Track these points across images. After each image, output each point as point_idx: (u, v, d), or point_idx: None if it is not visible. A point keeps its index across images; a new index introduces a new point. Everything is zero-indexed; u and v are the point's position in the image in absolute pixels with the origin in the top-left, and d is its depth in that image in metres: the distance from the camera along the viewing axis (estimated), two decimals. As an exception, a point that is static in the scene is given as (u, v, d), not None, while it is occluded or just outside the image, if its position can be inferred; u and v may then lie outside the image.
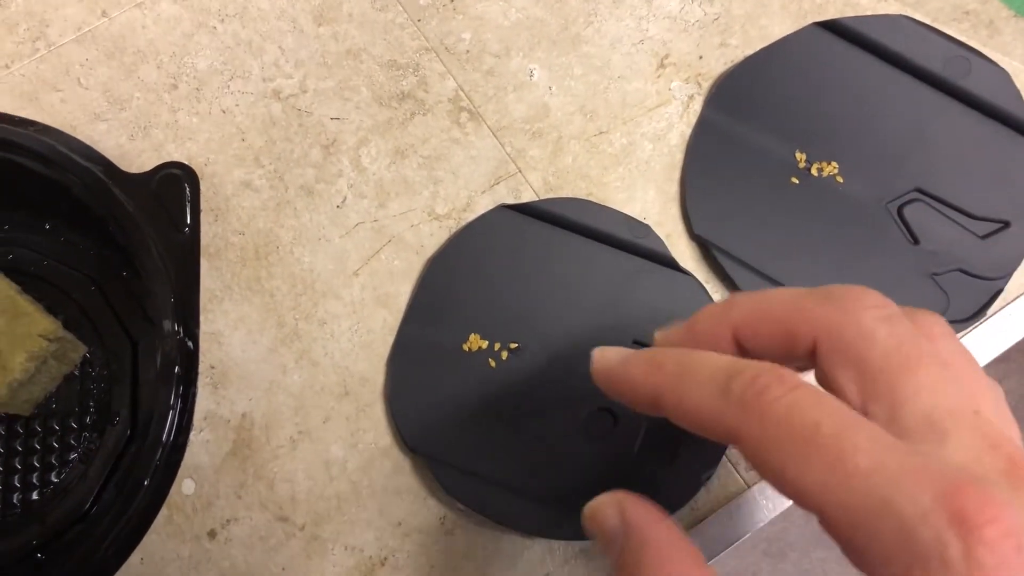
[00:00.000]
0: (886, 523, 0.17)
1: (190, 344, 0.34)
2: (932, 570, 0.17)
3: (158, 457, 0.33)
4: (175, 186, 0.36)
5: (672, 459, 0.37)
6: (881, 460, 0.18)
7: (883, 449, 0.18)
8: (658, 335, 0.27)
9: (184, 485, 0.38)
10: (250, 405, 0.39)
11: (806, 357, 0.22)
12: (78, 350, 0.39)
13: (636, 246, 0.40)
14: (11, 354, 0.35)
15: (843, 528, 0.18)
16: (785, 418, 0.19)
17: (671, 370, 0.23)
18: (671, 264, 0.40)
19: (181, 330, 0.34)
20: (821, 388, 0.21)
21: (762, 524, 0.38)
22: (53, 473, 0.38)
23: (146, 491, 0.33)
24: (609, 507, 0.24)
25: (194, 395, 0.34)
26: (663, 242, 0.40)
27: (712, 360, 0.22)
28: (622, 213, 0.40)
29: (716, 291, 0.40)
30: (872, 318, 0.21)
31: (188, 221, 0.36)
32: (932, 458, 0.18)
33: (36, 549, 0.37)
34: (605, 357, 0.26)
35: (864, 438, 0.18)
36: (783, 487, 0.19)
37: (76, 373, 0.39)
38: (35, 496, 0.38)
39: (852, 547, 0.19)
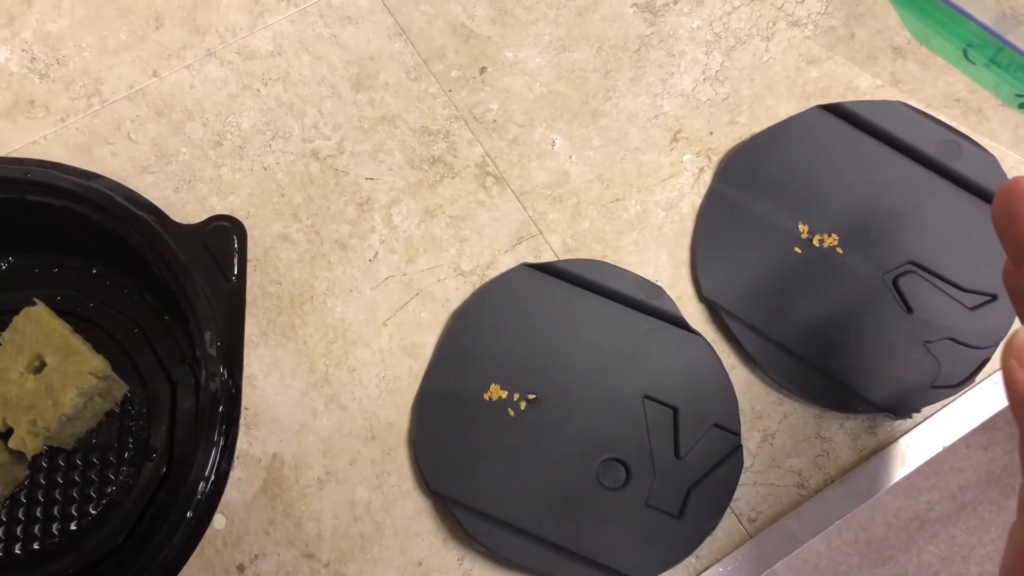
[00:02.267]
0: None
1: (234, 387, 0.37)
2: None
3: (201, 493, 0.35)
4: (224, 237, 0.39)
5: (681, 510, 0.40)
6: None
7: None
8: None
9: (216, 520, 0.40)
10: (281, 446, 0.41)
11: None
12: (120, 389, 0.41)
13: (649, 306, 0.42)
14: (63, 390, 0.37)
15: None
16: None
17: None
18: (682, 324, 0.42)
19: (226, 373, 0.36)
20: None
21: (764, 573, 0.40)
22: (91, 505, 0.40)
23: (187, 524, 0.35)
24: None
25: (235, 435, 0.36)
26: (675, 303, 0.42)
27: None
28: (637, 275, 0.43)
29: (723, 351, 0.43)
30: None
31: (235, 271, 0.38)
32: None
33: (74, 577, 0.39)
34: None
35: None
36: None
37: (116, 410, 0.41)
38: (73, 527, 0.40)
39: None
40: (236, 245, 0.39)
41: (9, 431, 0.38)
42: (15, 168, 0.39)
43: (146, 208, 0.39)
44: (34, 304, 0.39)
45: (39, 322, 0.38)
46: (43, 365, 0.38)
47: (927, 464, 0.42)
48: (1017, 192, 0.25)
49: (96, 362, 0.38)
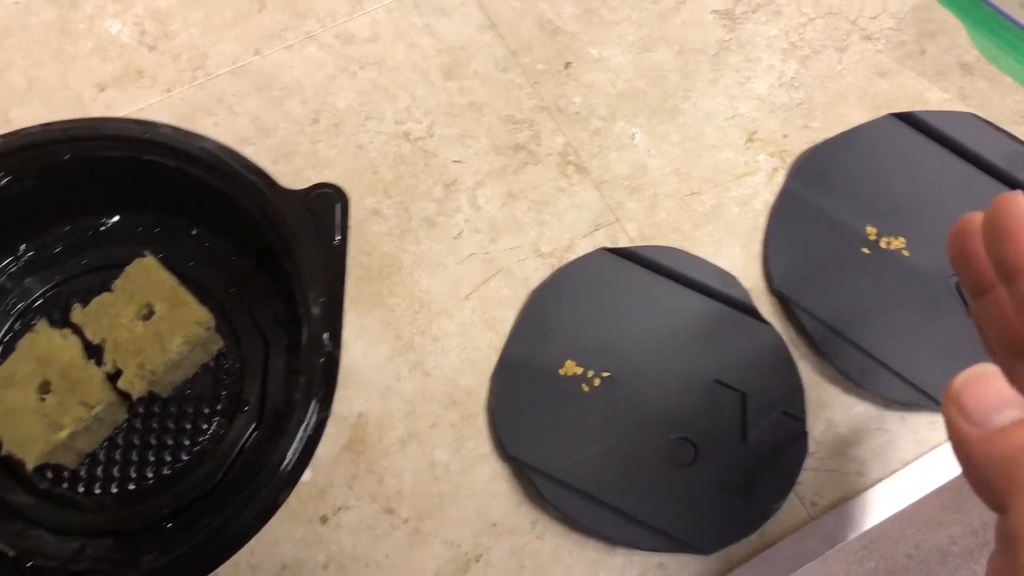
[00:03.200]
0: None
1: (334, 346, 0.39)
2: None
3: (298, 445, 0.37)
4: (327, 203, 0.41)
5: (746, 489, 0.41)
6: None
7: None
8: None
9: (303, 473, 0.42)
10: (366, 406, 0.43)
11: None
12: (216, 343, 0.43)
13: (723, 294, 0.44)
14: (170, 336, 0.40)
15: None
16: None
17: None
18: (753, 314, 0.44)
19: (328, 333, 0.38)
20: None
21: (822, 555, 0.42)
22: (183, 451, 0.42)
23: (281, 475, 0.37)
24: None
25: (333, 392, 0.38)
26: (747, 293, 0.44)
27: None
28: (712, 264, 0.45)
29: (792, 341, 0.44)
30: None
31: (337, 236, 0.41)
32: None
33: (164, 518, 0.41)
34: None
35: None
36: None
37: (211, 364, 0.43)
38: (167, 471, 0.42)
39: None
40: (338, 211, 0.41)
41: (117, 373, 0.40)
42: (134, 128, 0.42)
43: (255, 171, 0.41)
44: (145, 256, 0.41)
45: (149, 273, 0.41)
46: (151, 313, 0.40)
47: (951, 498, 0.43)
48: (968, 230, 0.26)
49: (202, 313, 0.40)
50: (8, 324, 0.44)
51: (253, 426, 0.42)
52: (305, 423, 0.37)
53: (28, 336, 0.40)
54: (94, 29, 0.50)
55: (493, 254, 0.46)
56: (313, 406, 0.37)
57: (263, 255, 0.43)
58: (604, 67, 0.50)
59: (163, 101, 0.48)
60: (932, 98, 0.50)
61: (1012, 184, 0.46)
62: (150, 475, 0.41)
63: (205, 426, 0.42)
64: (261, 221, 0.41)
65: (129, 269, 0.41)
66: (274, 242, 0.41)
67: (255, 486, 0.36)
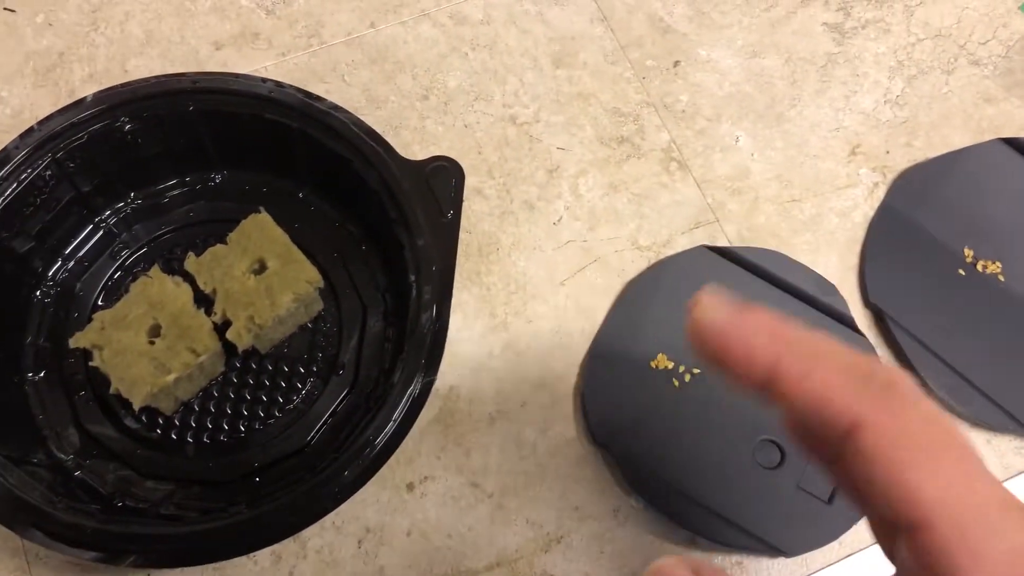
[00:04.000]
0: (996, 544, 0.17)
1: (444, 317, 0.39)
2: None
3: (404, 410, 0.37)
4: (444, 176, 0.42)
5: (830, 497, 0.41)
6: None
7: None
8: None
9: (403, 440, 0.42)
10: (458, 380, 0.43)
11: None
12: (318, 304, 0.44)
13: (820, 302, 0.44)
14: (281, 292, 0.40)
15: (944, 542, 0.18)
16: (925, 418, 0.19)
17: (803, 344, 0.21)
18: (850, 324, 0.44)
19: (437, 304, 0.39)
20: None
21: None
22: (277, 408, 0.42)
23: (385, 439, 0.37)
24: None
25: (439, 361, 0.38)
26: (846, 303, 0.44)
27: (847, 351, 0.21)
28: (812, 271, 0.45)
29: (883, 355, 0.45)
30: None
31: (452, 209, 0.41)
32: None
33: (253, 472, 0.41)
34: (712, 308, 0.22)
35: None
36: (892, 488, 0.19)
37: (310, 325, 0.44)
38: (259, 426, 0.42)
39: (945, 563, 0.18)
40: (453, 185, 0.42)
41: (225, 324, 0.40)
42: (260, 85, 0.42)
43: (376, 139, 0.42)
44: (260, 212, 0.42)
45: (264, 229, 0.41)
46: (263, 268, 0.41)
47: None
48: (711, 327, 0.22)
49: (313, 272, 0.41)
50: (114, 267, 0.45)
51: (346, 390, 0.43)
52: (410, 389, 0.38)
53: (142, 280, 0.40)
54: (214, -11, 0.51)
55: (591, 243, 0.46)
56: (419, 374, 0.38)
57: (372, 223, 0.44)
58: (713, 68, 0.50)
59: (277, 65, 0.49)
60: (1036, 128, 0.50)
61: (1117, 218, 0.46)
62: (242, 428, 0.42)
63: (300, 385, 0.43)
64: (379, 188, 0.41)
65: (244, 224, 0.42)
66: (390, 210, 0.41)
67: (358, 447, 0.36)
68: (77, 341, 0.39)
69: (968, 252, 0.46)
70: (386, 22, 0.51)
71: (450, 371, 0.44)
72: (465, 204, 0.46)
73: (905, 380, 0.20)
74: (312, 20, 0.50)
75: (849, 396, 0.20)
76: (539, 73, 0.50)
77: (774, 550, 0.40)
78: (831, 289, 0.45)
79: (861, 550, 0.42)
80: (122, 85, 0.42)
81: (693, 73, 0.50)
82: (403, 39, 0.50)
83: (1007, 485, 0.42)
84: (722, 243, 0.47)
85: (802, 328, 0.21)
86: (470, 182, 0.47)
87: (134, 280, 0.41)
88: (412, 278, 0.40)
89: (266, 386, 0.43)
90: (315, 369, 0.43)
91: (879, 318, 0.45)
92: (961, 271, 0.46)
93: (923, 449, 0.19)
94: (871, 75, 0.51)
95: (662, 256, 0.46)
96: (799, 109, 0.50)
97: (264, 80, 0.43)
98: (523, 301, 0.45)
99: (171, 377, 0.39)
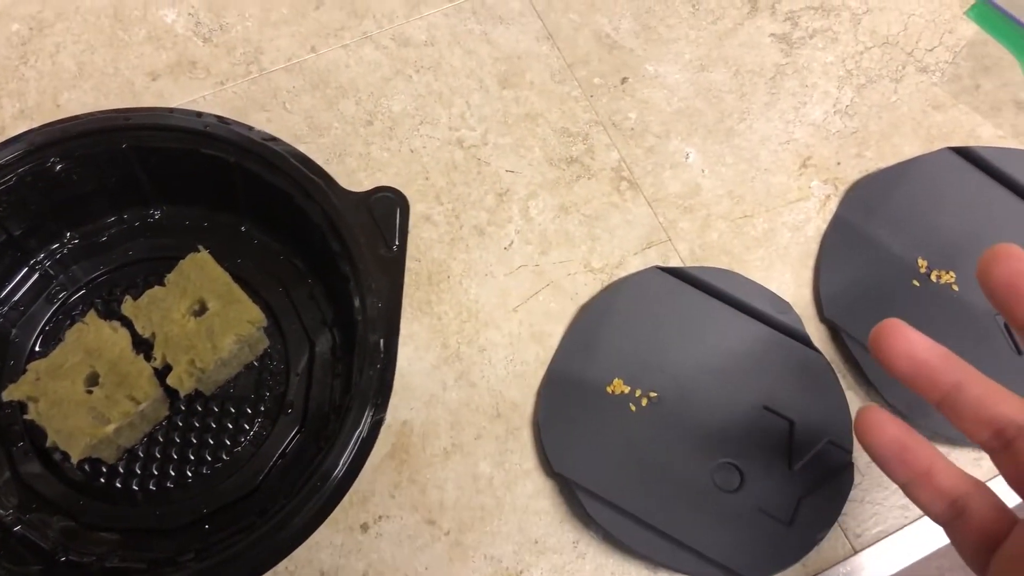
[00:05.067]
0: None
1: (390, 353, 0.38)
2: None
3: (350, 453, 0.36)
4: (388, 207, 0.41)
5: (791, 518, 0.41)
6: None
7: None
8: None
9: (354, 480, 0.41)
10: (411, 414, 0.42)
11: None
12: (263, 343, 0.43)
13: (775, 320, 0.44)
14: (223, 334, 0.39)
15: None
16: None
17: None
18: (805, 341, 0.44)
19: (383, 340, 0.38)
20: None
21: (865, 589, 0.41)
22: (224, 451, 0.41)
23: (332, 482, 0.36)
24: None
25: (388, 399, 0.37)
26: (800, 320, 0.44)
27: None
28: (766, 288, 0.45)
29: (840, 371, 0.44)
30: None
31: (397, 241, 0.40)
32: None
33: (202, 519, 0.40)
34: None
35: None
36: None
37: (256, 364, 0.43)
38: (206, 470, 0.41)
39: None
40: (399, 216, 0.41)
41: (166, 369, 0.39)
42: (195, 120, 0.41)
43: (317, 172, 0.41)
44: (199, 251, 0.41)
45: (204, 268, 0.40)
46: (204, 309, 0.40)
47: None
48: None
49: (255, 312, 0.40)
50: (51, 311, 0.43)
51: (296, 429, 0.42)
52: (359, 429, 0.36)
53: (77, 326, 0.39)
54: (148, 17, 0.50)
55: (543, 267, 0.46)
56: (368, 412, 0.37)
57: (316, 256, 0.43)
58: (660, 84, 0.50)
59: (215, 94, 0.48)
60: (985, 134, 0.50)
61: (1066, 225, 0.46)
62: (189, 473, 0.41)
63: (247, 427, 0.42)
64: (321, 222, 0.40)
65: (183, 263, 0.40)
66: (333, 244, 0.40)
67: (307, 492, 0.35)
68: (11, 393, 0.38)
69: (922, 262, 0.46)
70: (327, 46, 0.49)
71: (402, 405, 0.43)
72: (414, 231, 0.45)
73: None
74: (250, 47, 0.49)
75: None
76: (485, 94, 0.49)
77: (736, 576, 0.40)
78: (785, 306, 0.44)
79: (824, 571, 0.41)
80: (51, 124, 0.41)
81: (641, 89, 0.50)
82: (345, 63, 0.49)
83: (967, 499, 0.42)
84: (675, 262, 0.46)
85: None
86: (418, 209, 0.46)
87: (72, 324, 0.40)
88: (358, 314, 0.39)
89: (212, 429, 0.42)
90: (263, 409, 0.42)
91: (835, 333, 0.45)
92: (916, 282, 0.46)
93: None
94: (820, 85, 0.50)
95: (615, 278, 0.46)
96: (749, 122, 0.49)
97: (199, 114, 0.42)
98: (476, 329, 0.44)
99: (110, 427, 0.37)
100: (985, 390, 0.28)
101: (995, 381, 0.43)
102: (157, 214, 0.45)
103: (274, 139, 0.42)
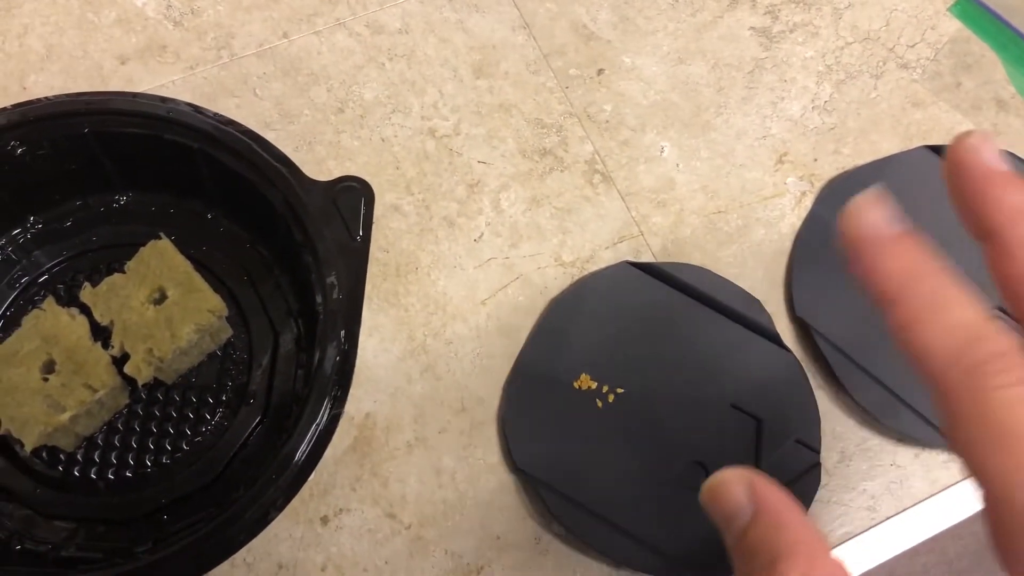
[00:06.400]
0: None
1: (351, 343, 0.37)
2: None
3: (309, 443, 0.36)
4: (353, 197, 0.40)
5: (756, 516, 0.40)
6: None
7: None
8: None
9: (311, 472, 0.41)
10: (375, 407, 0.42)
11: None
12: (225, 332, 0.42)
13: (745, 318, 0.43)
14: (181, 323, 0.39)
15: (1005, 524, 0.20)
16: (1000, 408, 0.20)
17: (923, 292, 0.22)
18: (775, 339, 0.43)
19: (344, 331, 0.37)
20: None
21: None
22: (185, 441, 0.41)
23: (292, 470, 0.35)
24: (737, 484, 0.23)
25: (348, 389, 0.37)
26: (770, 317, 0.44)
27: (966, 307, 0.21)
28: (737, 286, 0.44)
29: (810, 369, 0.44)
30: None
31: (361, 231, 0.39)
32: None
33: (161, 509, 0.40)
34: (865, 221, 0.23)
35: None
36: (960, 453, 0.21)
37: (218, 353, 0.42)
38: (166, 460, 0.40)
39: (1002, 542, 0.20)
40: (363, 206, 0.40)
41: (124, 357, 0.38)
42: (158, 105, 0.40)
43: (280, 160, 0.40)
44: (160, 239, 0.40)
45: (164, 256, 0.40)
46: (164, 297, 0.39)
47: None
48: (856, 231, 0.23)
49: (215, 301, 0.39)
50: (12, 296, 0.43)
51: (258, 419, 0.41)
52: (317, 421, 0.36)
53: (34, 313, 0.39)
54: (119, 0, 0.49)
55: (513, 260, 0.45)
56: (326, 403, 0.36)
57: (281, 245, 0.42)
58: (637, 76, 0.49)
59: (185, 79, 0.47)
60: (965, 132, 0.49)
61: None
62: (148, 463, 0.40)
63: (208, 416, 0.41)
64: (284, 211, 0.40)
65: (143, 251, 0.40)
66: (296, 233, 0.39)
67: (263, 483, 0.35)
68: (-36, 380, 0.37)
69: (896, 261, 0.45)
70: (299, 32, 0.49)
71: (366, 397, 0.42)
72: (383, 222, 0.44)
73: (1003, 358, 0.20)
74: (222, 31, 0.48)
75: (937, 366, 0.21)
76: (459, 84, 0.48)
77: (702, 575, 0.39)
78: (756, 305, 0.44)
79: (788, 571, 0.41)
80: (12, 107, 0.40)
81: (617, 81, 0.49)
82: (317, 50, 0.48)
83: (933, 500, 0.42)
84: (646, 257, 0.46)
85: (938, 269, 0.22)
86: (387, 199, 0.46)
87: (32, 310, 0.39)
88: (319, 304, 0.38)
89: (173, 418, 0.41)
90: (224, 399, 0.42)
91: (805, 331, 0.44)
92: (889, 281, 0.45)
93: (992, 433, 0.20)
94: (799, 80, 0.50)
95: (585, 272, 0.45)
96: (725, 117, 0.49)
97: (163, 99, 0.41)
98: (443, 322, 0.44)
99: (66, 416, 0.37)
100: None
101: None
102: (123, 200, 0.45)
103: (240, 126, 0.41)
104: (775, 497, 0.23)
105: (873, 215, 0.23)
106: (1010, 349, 0.21)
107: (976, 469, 0.20)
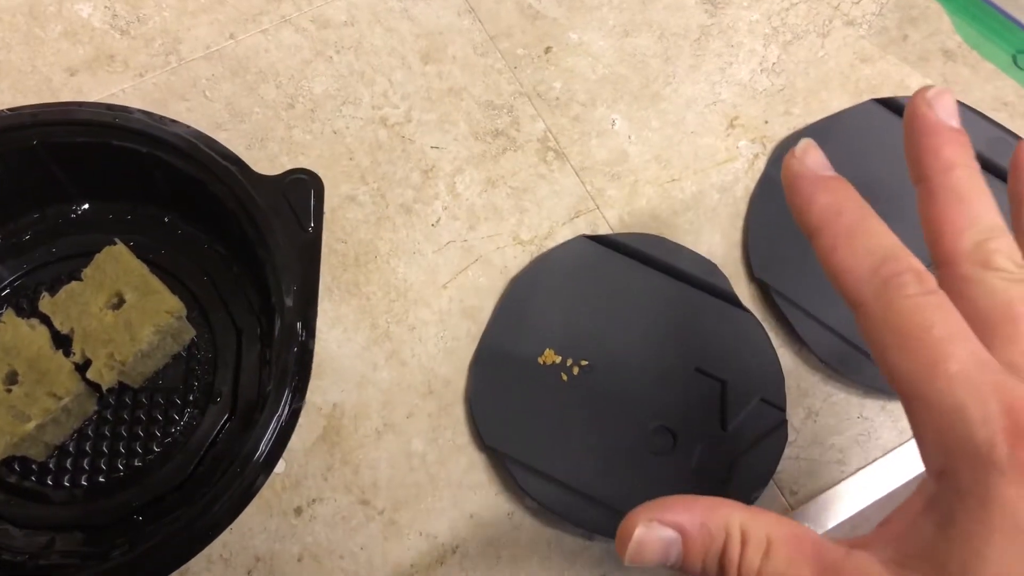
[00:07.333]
0: (953, 421, 0.21)
1: (308, 335, 0.38)
2: (978, 465, 0.20)
3: (271, 436, 0.36)
4: (302, 189, 0.40)
5: (726, 478, 0.41)
6: (969, 370, 0.21)
7: (975, 363, 0.21)
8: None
9: (276, 464, 0.41)
10: (341, 396, 0.42)
11: None
12: (189, 333, 0.42)
13: (703, 282, 0.44)
14: (140, 326, 0.39)
15: (919, 418, 0.22)
16: (907, 313, 0.22)
17: (844, 222, 0.25)
18: (734, 301, 0.44)
19: (301, 323, 0.38)
20: (951, 302, 0.23)
21: (803, 545, 0.41)
22: (155, 443, 0.41)
23: (255, 466, 0.36)
24: (647, 535, 0.25)
25: (307, 382, 0.37)
26: (728, 280, 0.44)
27: (882, 235, 0.24)
28: (692, 251, 0.44)
29: (772, 329, 0.44)
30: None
31: (312, 223, 0.40)
32: (1013, 381, 0.21)
33: (135, 511, 0.40)
34: (800, 163, 0.27)
35: (963, 350, 0.21)
36: (881, 365, 0.23)
37: (183, 354, 0.43)
38: (138, 463, 0.41)
39: (920, 438, 0.22)
40: (313, 198, 0.40)
41: (86, 363, 0.39)
42: (104, 113, 0.41)
43: (228, 158, 0.40)
44: (115, 244, 0.40)
45: (119, 261, 0.40)
46: (122, 302, 0.40)
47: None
48: (792, 177, 0.28)
49: (173, 302, 0.40)
50: (-25, 313, 0.43)
51: (226, 417, 0.42)
52: (278, 413, 0.36)
53: (-6, 326, 0.39)
54: (64, 12, 0.49)
55: (472, 242, 0.45)
56: (286, 396, 0.37)
57: (236, 243, 0.42)
58: (585, 52, 0.49)
59: (135, 86, 0.48)
60: (914, 84, 0.50)
61: (994, 170, 0.46)
62: (120, 467, 0.41)
63: (177, 417, 0.42)
64: (234, 208, 0.40)
65: (99, 257, 0.40)
66: (247, 229, 0.40)
67: (228, 478, 0.35)
68: (-72, 396, 0.38)
69: (852, 217, 0.46)
70: (246, 32, 0.49)
71: (332, 388, 0.42)
72: (339, 212, 0.45)
73: (912, 271, 0.23)
74: (169, 37, 0.49)
75: (853, 283, 0.24)
76: (408, 71, 0.49)
77: (671, 539, 0.40)
78: (712, 268, 0.44)
79: (761, 529, 0.41)
80: (-43, 124, 0.40)
81: (565, 58, 0.49)
82: (264, 48, 0.49)
83: (901, 450, 0.42)
84: (604, 231, 0.46)
85: (860, 204, 0.26)
86: (343, 190, 0.46)
87: (-5, 325, 0.40)
88: (274, 299, 0.39)
89: (142, 421, 0.42)
90: (191, 399, 0.42)
91: (765, 292, 0.45)
92: (846, 237, 0.45)
93: (901, 335, 0.22)
94: (746, 44, 0.50)
95: (544, 249, 0.45)
96: (674, 86, 0.49)
97: (111, 106, 0.41)
98: (405, 308, 0.44)
99: (31, 425, 0.37)
100: None
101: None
102: (80, 210, 0.45)
103: (186, 127, 0.41)
104: (744, 517, 0.24)
105: (809, 159, 0.27)
106: (920, 268, 0.23)
107: (888, 373, 0.23)
